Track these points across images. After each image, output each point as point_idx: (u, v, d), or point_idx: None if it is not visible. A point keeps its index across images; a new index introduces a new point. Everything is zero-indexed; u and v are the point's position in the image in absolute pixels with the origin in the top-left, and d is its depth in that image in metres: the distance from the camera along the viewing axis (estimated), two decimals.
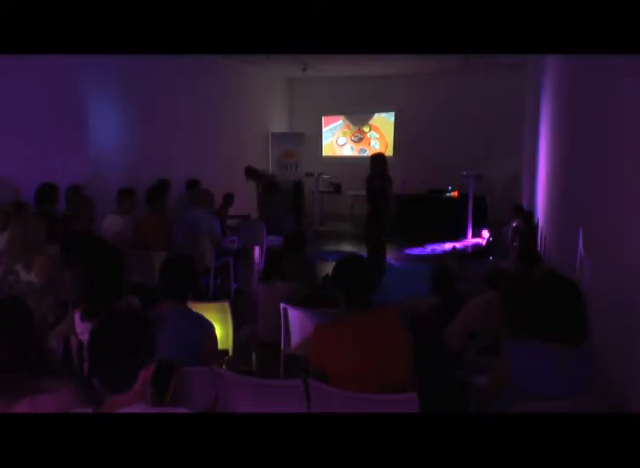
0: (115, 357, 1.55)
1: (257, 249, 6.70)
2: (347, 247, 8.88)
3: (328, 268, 3.32)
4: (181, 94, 8.34)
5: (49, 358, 1.89)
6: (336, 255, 7.29)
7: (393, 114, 12.17)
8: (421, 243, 8.97)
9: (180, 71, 8.17)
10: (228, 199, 7.57)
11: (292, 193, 10.97)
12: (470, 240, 8.81)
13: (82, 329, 2.52)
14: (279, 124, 12.41)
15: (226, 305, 3.35)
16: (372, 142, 12.52)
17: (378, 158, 6.76)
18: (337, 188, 11.22)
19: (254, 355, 3.77)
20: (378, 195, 6.59)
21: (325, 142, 12.87)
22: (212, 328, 2.68)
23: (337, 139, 12.83)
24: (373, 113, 12.38)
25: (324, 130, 12.84)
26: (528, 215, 6.93)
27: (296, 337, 3.53)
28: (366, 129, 12.57)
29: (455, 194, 9.90)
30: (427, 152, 11.39)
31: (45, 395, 1.68)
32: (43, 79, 5.73)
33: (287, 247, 4.38)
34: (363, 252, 7.77)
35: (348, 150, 12.75)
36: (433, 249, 8.70)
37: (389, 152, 12.29)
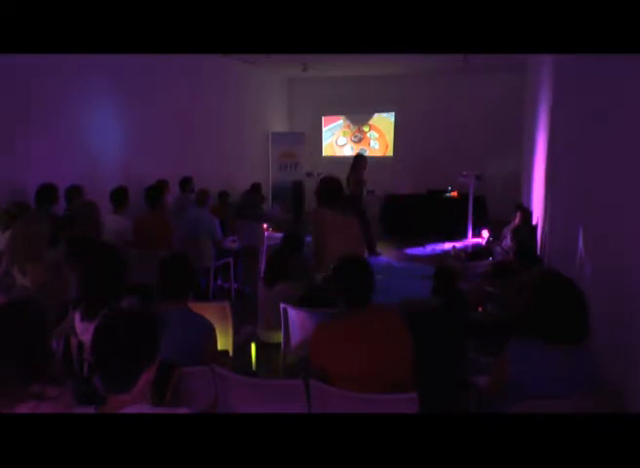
0: (118, 357, 1.54)
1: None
2: None
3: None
4: (181, 94, 8.34)
5: (54, 363, 1.86)
6: None
7: (393, 114, 12.17)
8: (421, 243, 8.97)
9: (180, 71, 8.17)
10: (224, 197, 7.55)
11: (292, 193, 10.98)
12: (470, 240, 8.81)
13: (82, 329, 2.52)
14: (279, 124, 12.42)
15: (226, 305, 3.35)
16: (372, 142, 12.52)
17: None
18: None
19: (254, 355, 3.77)
20: None
21: (325, 142, 12.87)
22: (212, 328, 2.68)
23: (337, 139, 12.84)
24: (373, 113, 12.39)
25: (324, 130, 12.84)
26: (527, 215, 6.93)
27: (296, 337, 3.53)
28: (366, 129, 12.57)
29: (455, 194, 9.90)
30: (427, 152, 11.39)
31: (49, 402, 1.66)
32: (42, 78, 5.73)
33: (285, 247, 4.38)
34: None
35: (348, 150, 12.75)
36: (433, 249, 8.69)
37: (389, 152, 12.31)
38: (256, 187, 8.09)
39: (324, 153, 12.87)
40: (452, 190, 9.97)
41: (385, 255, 8.15)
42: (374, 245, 8.07)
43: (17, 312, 1.80)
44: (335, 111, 12.61)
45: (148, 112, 7.52)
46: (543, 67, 6.71)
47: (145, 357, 1.58)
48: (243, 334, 3.64)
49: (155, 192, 5.41)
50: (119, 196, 5.21)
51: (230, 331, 3.33)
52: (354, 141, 12.70)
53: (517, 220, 6.92)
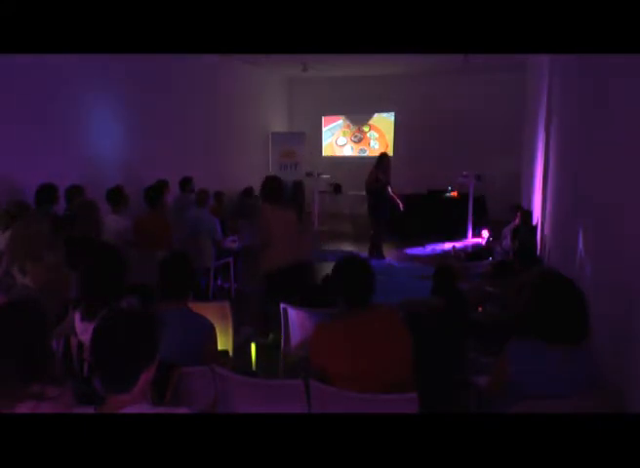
0: (118, 357, 1.54)
1: None
2: (347, 247, 8.88)
3: (328, 268, 3.32)
4: (181, 94, 8.33)
5: (54, 363, 1.86)
6: (335, 255, 7.29)
7: (393, 114, 12.17)
8: (421, 243, 8.97)
9: (180, 71, 8.17)
10: (219, 197, 7.57)
11: (292, 193, 10.99)
12: (470, 240, 8.81)
13: (82, 329, 2.52)
14: (279, 124, 12.42)
15: (226, 305, 3.35)
16: (372, 142, 12.52)
17: None
18: (336, 188, 11.23)
19: (254, 355, 3.77)
20: None
21: (325, 142, 12.87)
22: (212, 328, 2.67)
23: (337, 139, 12.84)
24: (373, 113, 12.39)
25: (324, 130, 12.84)
26: (527, 215, 6.93)
27: (296, 337, 3.53)
28: (366, 129, 12.57)
29: (455, 194, 9.90)
30: (427, 152, 11.40)
31: (49, 402, 1.65)
32: (43, 78, 5.73)
33: None
34: (363, 252, 7.79)
35: (348, 150, 12.76)
36: (433, 249, 8.70)
37: (389, 152, 12.30)
38: (248, 192, 8.19)
39: (324, 153, 12.87)
40: (452, 190, 9.98)
41: (385, 256, 8.15)
42: (376, 246, 8.05)
43: (17, 312, 1.79)
44: (335, 111, 12.61)
45: (148, 112, 7.52)
46: (543, 67, 6.71)
47: (145, 357, 1.58)
48: (243, 334, 3.64)
49: (155, 192, 5.41)
50: (115, 195, 5.22)
51: (230, 331, 3.32)
52: (354, 141, 12.70)
53: (517, 220, 6.93)
